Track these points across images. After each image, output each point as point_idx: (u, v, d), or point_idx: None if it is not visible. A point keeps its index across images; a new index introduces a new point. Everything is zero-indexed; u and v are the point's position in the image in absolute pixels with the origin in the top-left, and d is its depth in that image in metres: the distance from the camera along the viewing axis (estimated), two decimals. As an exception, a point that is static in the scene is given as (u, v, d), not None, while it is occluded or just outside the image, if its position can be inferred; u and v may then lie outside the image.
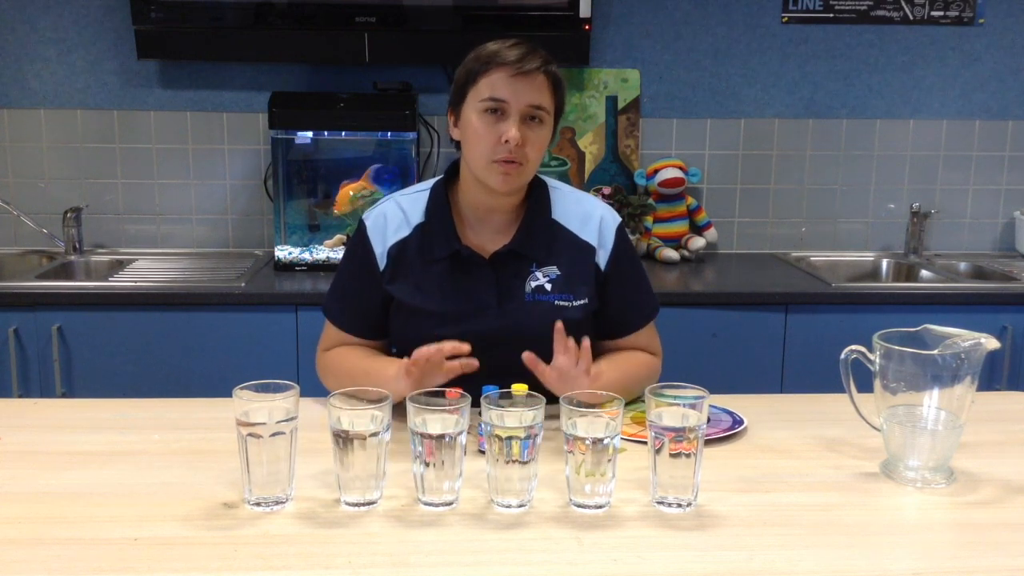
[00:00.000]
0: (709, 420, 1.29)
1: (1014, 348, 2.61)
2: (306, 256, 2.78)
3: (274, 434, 1.19)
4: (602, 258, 1.64)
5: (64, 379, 2.49)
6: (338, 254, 2.76)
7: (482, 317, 1.58)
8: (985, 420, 1.51)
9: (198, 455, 1.39)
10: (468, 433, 1.21)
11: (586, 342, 1.44)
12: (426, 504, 1.22)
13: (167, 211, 3.03)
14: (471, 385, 1.30)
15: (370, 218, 1.65)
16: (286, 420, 1.21)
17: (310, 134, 2.77)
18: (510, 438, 1.18)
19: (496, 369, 1.41)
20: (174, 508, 1.21)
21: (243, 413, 1.19)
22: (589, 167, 3.08)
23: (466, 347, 1.43)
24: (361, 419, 1.19)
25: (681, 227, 3.03)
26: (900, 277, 3.03)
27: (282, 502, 1.22)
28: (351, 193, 2.77)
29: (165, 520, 1.18)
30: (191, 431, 1.49)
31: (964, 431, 1.31)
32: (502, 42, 1.54)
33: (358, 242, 1.65)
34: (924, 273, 2.94)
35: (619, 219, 1.69)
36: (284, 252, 2.78)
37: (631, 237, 2.89)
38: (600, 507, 1.21)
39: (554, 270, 1.61)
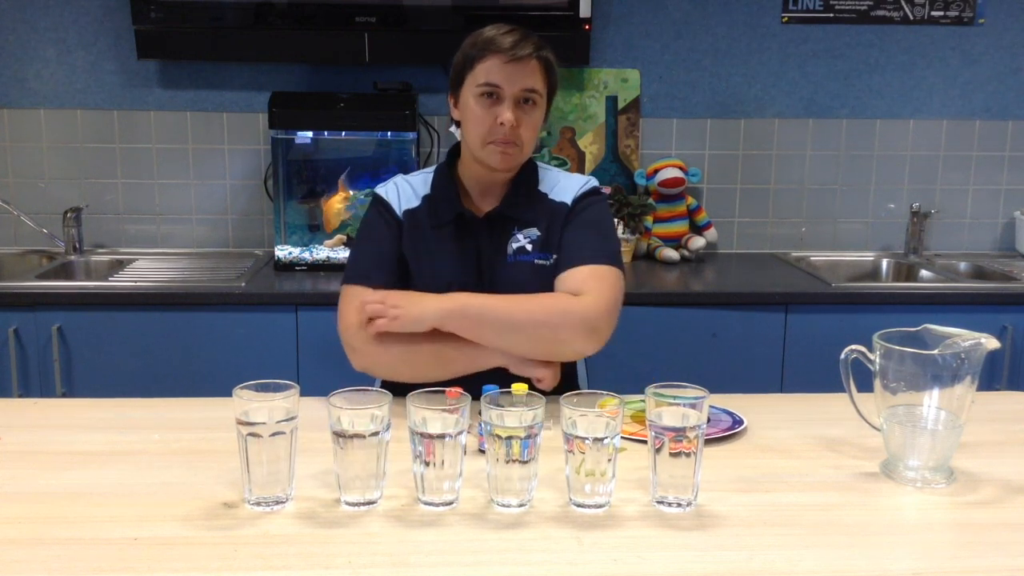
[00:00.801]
0: (709, 420, 1.29)
1: (1014, 348, 2.61)
2: (306, 256, 2.78)
3: (274, 434, 1.19)
4: (567, 210, 1.72)
5: (64, 379, 2.49)
6: (339, 254, 2.76)
7: (473, 275, 1.67)
8: (985, 420, 1.51)
9: (198, 455, 1.39)
10: (468, 433, 1.22)
11: None
12: (426, 504, 1.22)
13: (167, 211, 3.03)
14: (471, 385, 1.30)
15: (383, 189, 1.76)
16: (286, 420, 1.21)
17: (310, 134, 2.77)
18: (510, 438, 1.18)
19: None
20: (174, 508, 1.21)
21: (243, 413, 1.19)
22: (589, 167, 3.08)
23: None
24: (361, 419, 1.19)
25: (681, 227, 3.03)
26: (900, 277, 3.03)
27: (282, 502, 1.22)
28: (336, 207, 2.79)
29: (165, 520, 1.18)
30: (191, 431, 1.49)
31: (964, 431, 1.31)
32: (497, 28, 1.64)
33: (377, 208, 1.74)
34: (924, 273, 2.94)
35: (594, 183, 1.77)
36: (284, 252, 2.78)
37: (631, 237, 2.92)
38: (600, 507, 1.21)
39: (534, 231, 1.70)
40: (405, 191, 1.74)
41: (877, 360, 1.32)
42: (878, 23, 3.03)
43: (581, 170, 3.07)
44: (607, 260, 1.62)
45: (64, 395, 2.48)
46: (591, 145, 3.07)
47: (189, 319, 2.49)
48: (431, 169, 1.78)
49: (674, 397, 1.22)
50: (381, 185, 1.77)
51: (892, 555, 1.11)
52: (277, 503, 1.21)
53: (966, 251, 3.17)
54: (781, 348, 2.59)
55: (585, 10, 2.75)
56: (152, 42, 2.79)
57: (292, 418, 1.21)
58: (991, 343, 1.26)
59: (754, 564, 1.08)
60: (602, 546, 1.12)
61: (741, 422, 1.51)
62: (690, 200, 3.04)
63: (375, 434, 1.19)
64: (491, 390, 1.25)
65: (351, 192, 2.78)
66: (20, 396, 2.48)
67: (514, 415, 1.19)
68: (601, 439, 1.18)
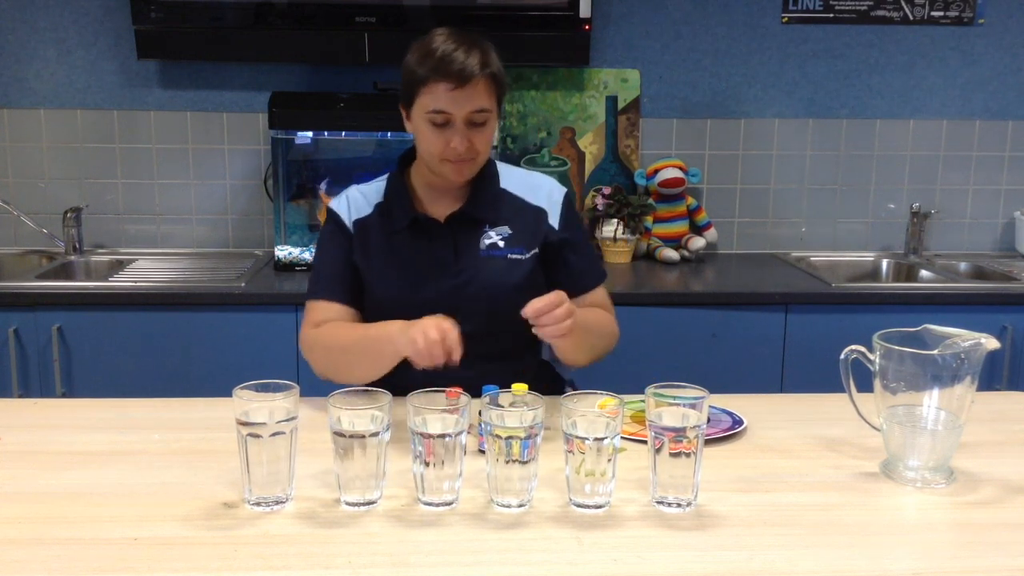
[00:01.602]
0: (709, 420, 1.29)
1: (1014, 348, 2.61)
2: (306, 256, 2.78)
3: (274, 434, 1.19)
4: (553, 221, 1.75)
5: (64, 379, 2.49)
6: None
7: (442, 276, 1.68)
8: (985, 420, 1.51)
9: (198, 455, 1.39)
10: (468, 433, 1.22)
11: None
12: (426, 504, 1.22)
13: (167, 211, 3.03)
14: (471, 385, 1.30)
15: (334, 202, 1.78)
16: (286, 420, 1.21)
17: (310, 134, 2.77)
18: (510, 438, 1.18)
19: (463, 321, 1.49)
20: (174, 508, 1.21)
21: (243, 413, 1.19)
22: (589, 167, 3.08)
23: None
24: (361, 419, 1.19)
25: (681, 227, 3.03)
26: (900, 277, 3.03)
27: (282, 502, 1.22)
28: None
29: (165, 520, 1.18)
30: (191, 431, 1.49)
31: (964, 431, 1.31)
32: (443, 40, 1.61)
33: (330, 221, 1.77)
34: (924, 273, 2.94)
35: (565, 189, 1.80)
36: (284, 252, 2.78)
37: (631, 237, 2.92)
38: (600, 507, 1.21)
39: (505, 229, 1.72)
40: (356, 201, 1.75)
41: (877, 360, 1.32)
42: (878, 23, 3.03)
43: (581, 170, 3.07)
44: (604, 270, 1.84)
45: (64, 395, 2.48)
46: (591, 145, 3.07)
47: (189, 319, 2.49)
48: (383, 176, 1.78)
49: (674, 397, 1.22)
50: (335, 198, 1.79)
51: (892, 555, 1.11)
52: (277, 503, 1.21)
53: (966, 251, 3.17)
54: (781, 348, 2.59)
55: (585, 10, 2.75)
56: (152, 42, 2.79)
57: (292, 418, 1.21)
58: (991, 343, 1.26)
59: (754, 564, 1.08)
60: (602, 546, 1.12)
61: (741, 422, 1.52)
62: (690, 200, 3.04)
63: (375, 434, 1.19)
64: (491, 390, 1.25)
65: (331, 199, 2.78)
66: (20, 396, 2.48)
67: (514, 415, 1.19)
68: (601, 439, 1.18)
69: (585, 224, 1.89)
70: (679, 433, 1.19)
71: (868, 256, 3.13)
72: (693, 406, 1.21)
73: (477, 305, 1.65)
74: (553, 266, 1.75)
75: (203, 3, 2.71)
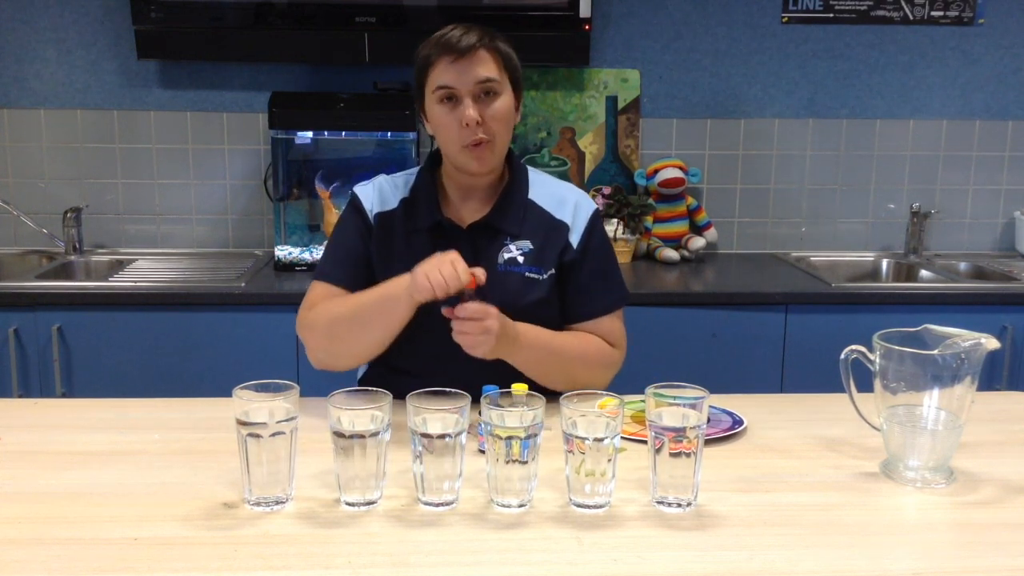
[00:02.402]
0: (709, 420, 1.29)
1: (1014, 348, 2.61)
2: (306, 256, 2.78)
3: (274, 434, 1.19)
4: (574, 238, 1.69)
5: (64, 379, 2.49)
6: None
7: None
8: (985, 420, 1.51)
9: (198, 455, 1.39)
10: (468, 433, 1.22)
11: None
12: (426, 504, 1.22)
13: (167, 211, 3.03)
14: (471, 385, 1.30)
15: (360, 189, 1.73)
16: (286, 420, 1.21)
17: (310, 134, 2.77)
18: (510, 438, 1.18)
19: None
20: (174, 508, 1.21)
21: (243, 413, 1.19)
22: (589, 167, 3.08)
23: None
24: (361, 419, 1.19)
25: (681, 227, 3.03)
26: (900, 277, 3.03)
27: (282, 502, 1.22)
28: (329, 209, 2.80)
29: (165, 520, 1.18)
30: (191, 431, 1.49)
31: (964, 431, 1.31)
32: (441, 31, 1.61)
33: (351, 206, 1.72)
34: (924, 273, 2.94)
35: (595, 206, 1.74)
36: (284, 252, 2.78)
37: (631, 237, 2.92)
38: (600, 507, 1.21)
39: (527, 244, 1.66)
40: (384, 192, 1.71)
41: (877, 360, 1.32)
42: (878, 23, 3.03)
43: (581, 170, 3.07)
44: (622, 297, 1.73)
45: (64, 395, 2.48)
46: (591, 145, 3.07)
47: (189, 319, 2.49)
48: (415, 170, 1.74)
49: (674, 397, 1.22)
50: (362, 184, 1.74)
51: (892, 555, 1.11)
52: (277, 503, 1.21)
53: (966, 251, 3.17)
54: (781, 348, 2.59)
55: (585, 10, 2.75)
56: (152, 42, 2.79)
57: (292, 418, 1.21)
58: (991, 343, 1.26)
59: (754, 564, 1.08)
60: (602, 546, 1.12)
61: (741, 422, 1.51)
62: (690, 200, 3.04)
63: (375, 434, 1.19)
64: (491, 390, 1.25)
65: (328, 191, 2.78)
66: (20, 396, 2.48)
67: (514, 415, 1.19)
68: (601, 439, 1.18)
69: (608, 238, 1.79)
70: (679, 433, 1.19)
71: (868, 256, 3.13)
72: (693, 406, 1.21)
73: None
74: (564, 286, 1.68)
75: (203, 3, 2.71)
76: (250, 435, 1.19)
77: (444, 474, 1.20)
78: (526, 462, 1.20)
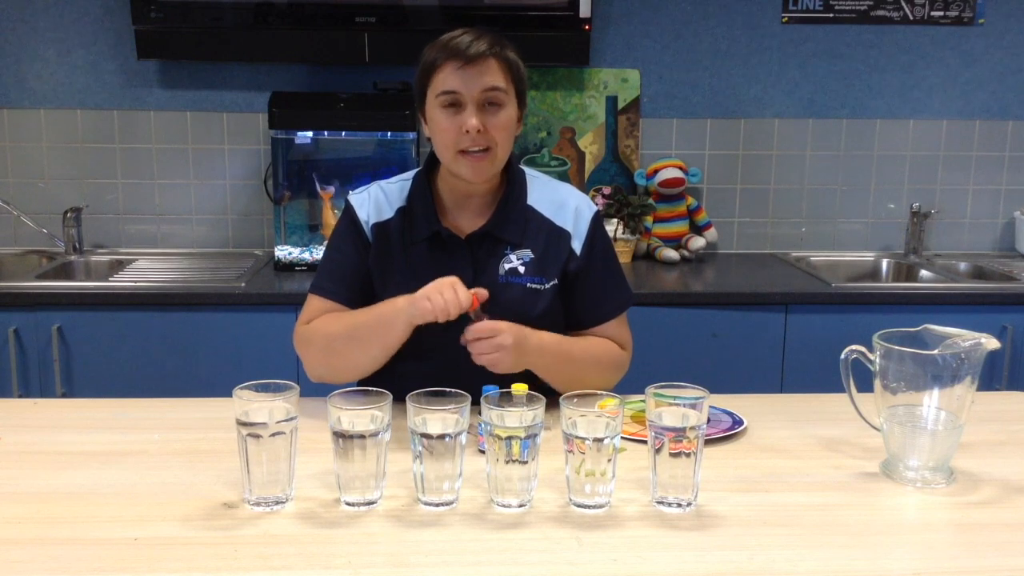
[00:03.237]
0: (709, 420, 1.29)
1: (1014, 348, 2.61)
2: (306, 256, 2.78)
3: (274, 434, 1.19)
4: (576, 244, 1.66)
5: (64, 379, 2.49)
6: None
7: None
8: (985, 420, 1.51)
9: (198, 455, 1.39)
10: (468, 433, 1.21)
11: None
12: (426, 504, 1.22)
13: (167, 211, 3.03)
14: (471, 385, 1.30)
15: (356, 198, 1.69)
16: (286, 420, 1.21)
17: (310, 134, 2.77)
18: (510, 438, 1.18)
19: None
20: (174, 508, 1.21)
21: (243, 413, 1.19)
22: (589, 167, 3.08)
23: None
24: (361, 419, 1.19)
25: (681, 227, 3.03)
26: (900, 277, 3.03)
27: (282, 502, 1.22)
28: (328, 209, 2.80)
29: (165, 520, 1.18)
30: (191, 431, 1.49)
31: (964, 431, 1.31)
32: (451, 34, 1.57)
33: (346, 217, 1.69)
34: (924, 273, 2.94)
35: (595, 208, 1.71)
36: (284, 252, 2.78)
37: (631, 237, 2.92)
38: (600, 507, 1.21)
39: (528, 253, 1.64)
40: (378, 202, 1.67)
41: (877, 360, 1.32)
42: (878, 23, 3.03)
43: (581, 170, 3.07)
44: (627, 299, 1.72)
45: (64, 395, 2.48)
46: (591, 145, 3.07)
47: (189, 319, 2.49)
48: (411, 175, 1.70)
49: (674, 397, 1.22)
50: (356, 192, 1.70)
51: (892, 555, 1.11)
52: (277, 503, 1.21)
53: (966, 251, 3.17)
54: (781, 348, 2.59)
55: (585, 10, 2.75)
56: (152, 42, 2.79)
57: (292, 418, 1.21)
58: (991, 343, 1.26)
59: (754, 564, 1.08)
60: (602, 546, 1.12)
61: (741, 422, 1.51)
62: (690, 200, 3.04)
63: (375, 434, 1.19)
64: (491, 390, 1.25)
65: (329, 192, 2.78)
66: (20, 396, 2.48)
67: (514, 415, 1.19)
68: (601, 439, 1.18)
69: (610, 239, 1.78)
70: (679, 433, 1.19)
71: (868, 256, 3.13)
72: (693, 406, 1.21)
73: None
74: (571, 293, 1.66)
75: (203, 3, 2.71)
76: (250, 435, 1.19)
77: (444, 474, 1.20)
78: (526, 462, 1.20)
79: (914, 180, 3.15)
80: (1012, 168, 3.15)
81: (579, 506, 1.21)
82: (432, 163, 1.69)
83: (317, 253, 2.78)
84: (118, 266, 2.88)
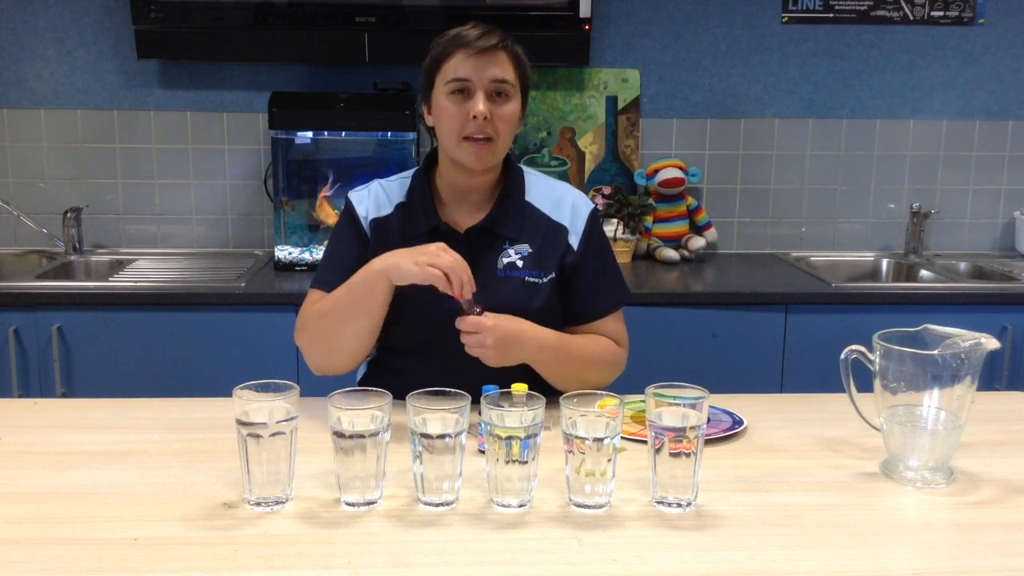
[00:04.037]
0: (709, 420, 1.29)
1: (1014, 348, 2.61)
2: (306, 256, 2.78)
3: (274, 434, 1.19)
4: (574, 240, 1.68)
5: (64, 379, 2.49)
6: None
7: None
8: (985, 420, 1.51)
9: (198, 455, 1.39)
10: (468, 433, 1.21)
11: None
12: (426, 504, 1.22)
13: (167, 211, 3.03)
14: (471, 385, 1.30)
15: (355, 195, 1.72)
16: (286, 420, 1.21)
17: (310, 134, 2.77)
18: (510, 438, 1.18)
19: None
20: (174, 508, 1.21)
21: (243, 413, 1.19)
22: (589, 167, 3.08)
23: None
24: (361, 419, 1.19)
25: (681, 227, 3.03)
26: (900, 277, 3.03)
27: (282, 502, 1.22)
28: (326, 209, 2.80)
29: (165, 520, 1.18)
30: (191, 431, 1.49)
31: (964, 431, 1.31)
32: (460, 27, 1.60)
33: (346, 214, 1.71)
34: (924, 273, 2.94)
35: (592, 205, 1.73)
36: (284, 252, 2.78)
37: (631, 237, 2.92)
38: (600, 507, 1.21)
39: (526, 247, 1.65)
40: (378, 198, 1.69)
41: (877, 360, 1.32)
42: (878, 23, 3.03)
43: (581, 170, 3.07)
44: (624, 296, 1.73)
45: (64, 395, 2.48)
46: (591, 145, 3.07)
47: (189, 319, 2.49)
48: (411, 173, 1.72)
49: (674, 397, 1.22)
50: (356, 190, 1.72)
51: (892, 555, 1.11)
52: (277, 503, 1.21)
53: (966, 251, 3.17)
54: (781, 348, 2.59)
55: (585, 10, 2.76)
56: (152, 42, 2.79)
57: (292, 418, 1.21)
58: (991, 343, 1.26)
59: (754, 564, 1.08)
60: (602, 546, 1.12)
61: (741, 422, 1.51)
62: (690, 200, 3.04)
63: (375, 434, 1.19)
64: (491, 390, 1.25)
65: (328, 192, 2.79)
66: (20, 396, 2.48)
67: (514, 415, 1.19)
68: (601, 439, 1.18)
69: (607, 236, 1.79)
70: (679, 433, 1.19)
71: (868, 256, 3.13)
72: (693, 406, 1.21)
73: None
74: (567, 288, 1.67)
75: (203, 3, 2.71)
76: (250, 435, 1.19)
77: (444, 474, 1.20)
78: (526, 462, 1.20)
79: (914, 180, 3.15)
80: (1012, 168, 3.15)
81: (579, 506, 1.21)
82: (431, 160, 1.71)
83: (317, 253, 2.78)
84: (118, 266, 2.88)
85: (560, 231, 1.67)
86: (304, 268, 2.76)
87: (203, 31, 2.76)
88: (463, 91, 1.57)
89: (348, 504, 1.22)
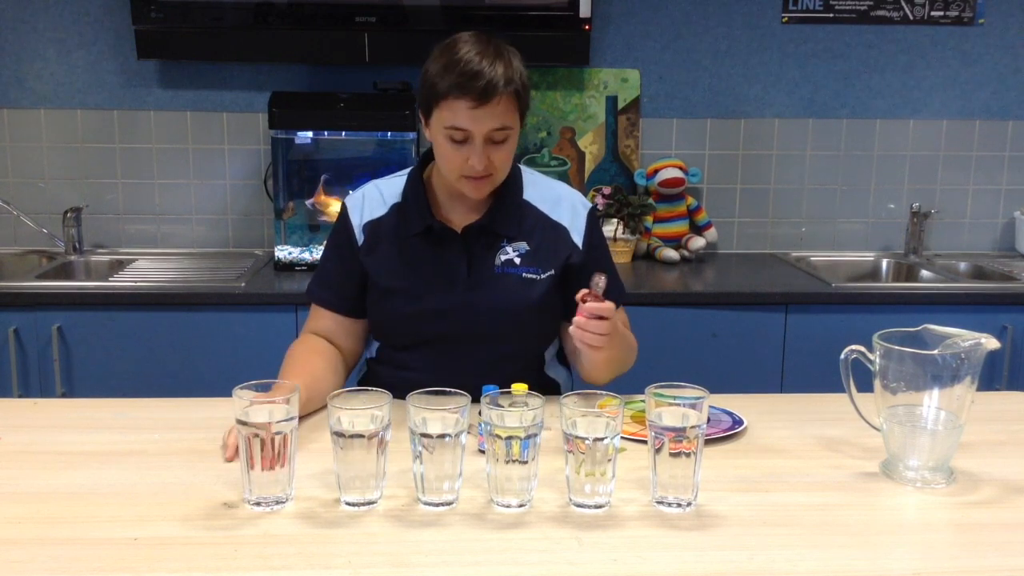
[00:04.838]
0: (709, 420, 1.29)
1: (1014, 348, 2.61)
2: (306, 256, 2.78)
3: (274, 434, 1.19)
4: (576, 239, 1.68)
5: (64, 379, 2.49)
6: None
7: (453, 289, 1.62)
8: (985, 420, 1.51)
9: (198, 455, 1.39)
10: (468, 433, 1.21)
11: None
12: (426, 504, 1.22)
13: (167, 211, 3.03)
14: (471, 385, 1.30)
15: (350, 199, 1.72)
16: (286, 420, 1.21)
17: (310, 134, 2.77)
18: (510, 438, 1.18)
19: (468, 339, 1.56)
20: (174, 508, 1.21)
21: (243, 413, 1.19)
22: (589, 167, 3.08)
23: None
24: (361, 419, 1.19)
25: (681, 227, 3.03)
26: (900, 277, 3.03)
27: (282, 502, 1.22)
28: (327, 210, 2.80)
29: (165, 520, 1.18)
30: (191, 431, 1.49)
31: (964, 431, 1.31)
32: (466, 48, 1.50)
33: (339, 221, 1.72)
34: (924, 273, 2.94)
35: (589, 204, 1.73)
36: (284, 252, 2.78)
37: (631, 237, 2.92)
38: (600, 507, 1.21)
39: (524, 245, 1.65)
40: (372, 199, 1.69)
41: (877, 360, 1.32)
42: (878, 23, 3.03)
43: (581, 170, 3.07)
44: (624, 291, 1.74)
45: (64, 395, 2.48)
46: (591, 145, 3.07)
47: (189, 319, 2.49)
48: (405, 172, 1.71)
49: (674, 397, 1.22)
50: (352, 194, 1.72)
51: (892, 555, 1.11)
52: (277, 503, 1.21)
53: (966, 251, 3.17)
54: (781, 348, 2.59)
55: (585, 10, 2.75)
56: (152, 42, 2.79)
57: (292, 418, 1.21)
58: (991, 343, 1.26)
59: (754, 564, 1.08)
60: (602, 546, 1.12)
61: (741, 422, 1.51)
62: (690, 200, 3.04)
63: (375, 434, 1.19)
64: (491, 390, 1.25)
65: (329, 199, 2.79)
66: (20, 396, 2.48)
67: (514, 415, 1.19)
68: (601, 439, 1.18)
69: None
70: (679, 433, 1.19)
71: (868, 256, 3.13)
72: (693, 406, 1.21)
73: (486, 322, 1.61)
74: (575, 286, 1.63)
75: (203, 3, 2.71)
76: (250, 435, 1.19)
77: (444, 474, 1.20)
78: (526, 462, 1.20)
79: (914, 180, 3.15)
80: (1012, 168, 3.15)
81: (579, 506, 1.21)
82: (427, 159, 1.70)
83: (317, 253, 2.78)
84: (118, 266, 2.88)
85: (560, 230, 1.67)
86: (304, 268, 2.76)
87: (203, 31, 2.76)
88: (462, 140, 1.52)
89: (348, 504, 1.22)
